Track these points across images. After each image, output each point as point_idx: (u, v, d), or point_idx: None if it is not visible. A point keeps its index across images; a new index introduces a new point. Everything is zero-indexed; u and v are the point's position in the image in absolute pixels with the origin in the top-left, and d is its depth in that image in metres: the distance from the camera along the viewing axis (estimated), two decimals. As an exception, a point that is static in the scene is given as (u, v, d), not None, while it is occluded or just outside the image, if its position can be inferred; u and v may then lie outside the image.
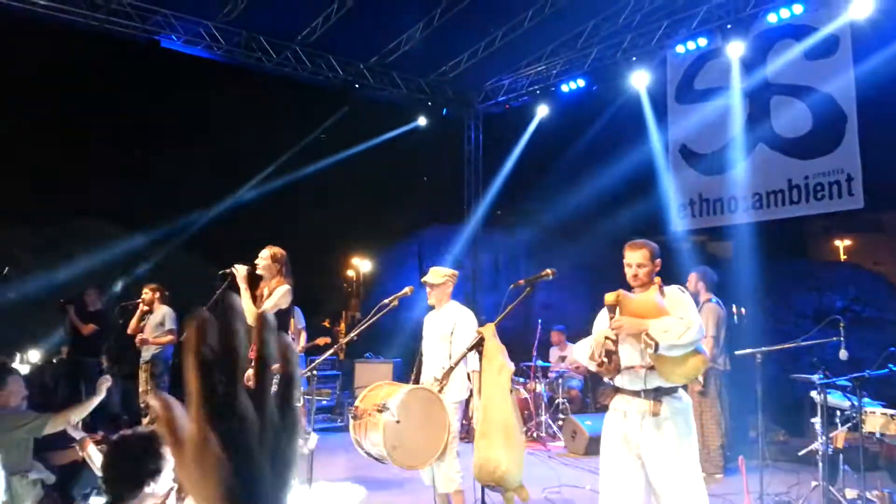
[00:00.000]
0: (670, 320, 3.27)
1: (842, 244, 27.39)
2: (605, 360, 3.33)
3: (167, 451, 2.74)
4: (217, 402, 0.58)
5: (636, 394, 3.40)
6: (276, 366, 0.62)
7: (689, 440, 3.38)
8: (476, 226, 12.71)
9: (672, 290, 3.53)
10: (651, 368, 3.32)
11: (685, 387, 3.53)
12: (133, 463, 2.53)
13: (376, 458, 4.19)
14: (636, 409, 3.38)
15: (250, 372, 0.62)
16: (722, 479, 6.51)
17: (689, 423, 3.42)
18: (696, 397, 6.78)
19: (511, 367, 3.35)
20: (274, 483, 0.61)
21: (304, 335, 8.62)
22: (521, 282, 3.48)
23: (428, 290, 4.70)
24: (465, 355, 3.80)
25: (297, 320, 8.55)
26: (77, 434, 4.49)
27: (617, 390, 3.47)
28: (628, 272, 3.58)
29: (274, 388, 0.64)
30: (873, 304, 13.05)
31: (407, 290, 4.73)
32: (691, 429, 3.42)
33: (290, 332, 8.26)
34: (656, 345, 3.19)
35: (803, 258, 17.70)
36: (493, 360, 3.32)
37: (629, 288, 3.56)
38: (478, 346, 3.47)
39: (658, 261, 3.61)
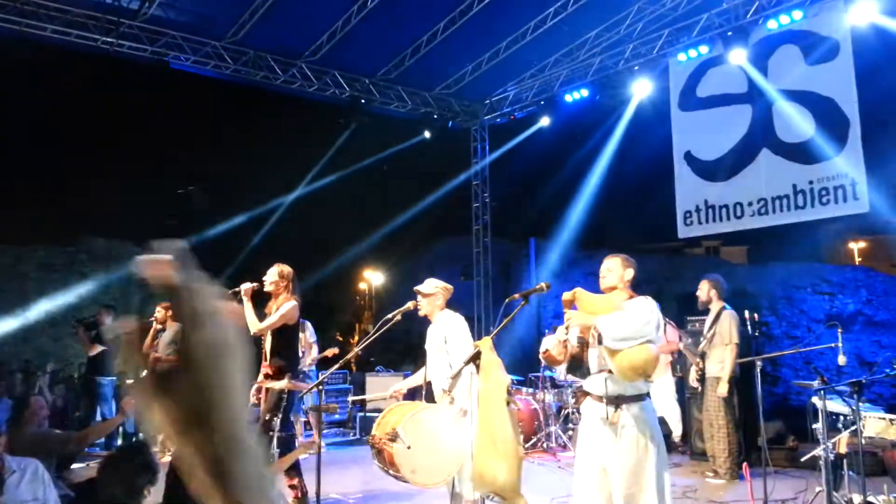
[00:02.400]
0: (617, 314, 3.39)
1: (856, 247, 27.23)
2: (549, 350, 3.45)
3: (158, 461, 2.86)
4: None
5: (599, 399, 3.46)
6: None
7: (648, 451, 3.37)
8: (486, 237, 12.78)
9: (639, 297, 3.63)
10: (610, 372, 3.38)
11: (650, 395, 3.56)
12: (128, 476, 2.62)
13: (404, 482, 4.33)
14: (598, 413, 3.44)
15: None
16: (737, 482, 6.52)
17: (649, 433, 3.41)
18: (715, 403, 6.75)
19: (507, 379, 3.42)
20: None
21: (315, 348, 8.72)
22: (517, 295, 3.55)
23: (419, 299, 4.78)
24: (462, 369, 3.89)
25: (309, 334, 8.65)
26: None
27: (585, 394, 3.55)
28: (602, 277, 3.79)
29: None
30: (886, 306, 12.96)
31: (409, 304, 4.81)
32: (652, 439, 3.40)
33: (301, 347, 8.38)
34: (599, 336, 3.30)
35: (816, 262, 17.58)
36: (490, 374, 3.39)
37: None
38: (475, 359, 3.54)
39: (630, 271, 3.75)
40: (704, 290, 7.05)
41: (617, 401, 3.41)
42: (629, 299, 3.57)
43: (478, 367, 3.52)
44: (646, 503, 3.27)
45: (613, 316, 3.37)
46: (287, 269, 5.77)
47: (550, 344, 3.51)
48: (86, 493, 5.29)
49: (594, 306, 3.47)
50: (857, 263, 23.83)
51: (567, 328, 3.47)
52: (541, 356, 3.59)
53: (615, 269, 3.69)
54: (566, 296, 3.53)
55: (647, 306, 3.49)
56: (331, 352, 8.62)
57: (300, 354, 8.29)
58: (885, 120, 8.66)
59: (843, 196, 8.00)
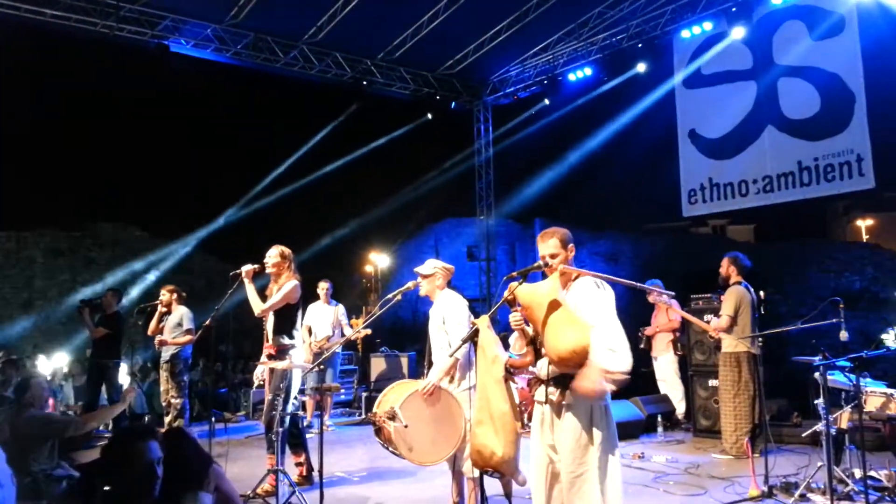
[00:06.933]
0: (562, 330, 3.12)
1: (864, 224, 27.08)
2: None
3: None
4: None
5: (546, 382, 3.28)
6: None
7: (593, 430, 3.17)
8: (489, 217, 12.76)
9: (587, 284, 3.33)
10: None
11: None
12: (132, 458, 2.60)
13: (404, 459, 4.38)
14: (544, 396, 3.26)
15: None
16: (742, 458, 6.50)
17: (596, 413, 3.19)
18: (728, 380, 6.75)
19: (505, 356, 3.42)
20: None
21: (347, 329, 8.82)
22: (514, 274, 3.52)
23: (419, 280, 4.77)
24: (460, 347, 3.89)
25: (341, 315, 8.83)
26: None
27: (538, 380, 3.36)
28: (542, 264, 3.44)
29: None
30: (893, 283, 12.92)
31: (409, 284, 4.80)
32: (600, 419, 3.19)
33: (331, 325, 8.53)
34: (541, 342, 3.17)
35: (823, 239, 17.55)
36: (488, 351, 3.39)
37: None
38: (473, 337, 3.55)
39: (571, 246, 3.44)
40: (725, 266, 7.01)
41: (560, 381, 3.20)
42: (571, 282, 3.36)
43: (475, 344, 3.52)
44: (589, 484, 3.09)
45: (556, 331, 3.13)
46: (287, 249, 5.79)
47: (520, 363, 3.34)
48: (90, 474, 5.36)
49: (534, 299, 3.24)
50: (864, 241, 23.70)
51: (522, 336, 3.28)
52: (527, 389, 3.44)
53: (559, 253, 3.36)
54: (506, 295, 3.29)
55: (603, 305, 3.22)
56: (363, 332, 8.59)
57: (331, 334, 8.47)
58: (893, 94, 8.55)
59: (849, 172, 7.94)
